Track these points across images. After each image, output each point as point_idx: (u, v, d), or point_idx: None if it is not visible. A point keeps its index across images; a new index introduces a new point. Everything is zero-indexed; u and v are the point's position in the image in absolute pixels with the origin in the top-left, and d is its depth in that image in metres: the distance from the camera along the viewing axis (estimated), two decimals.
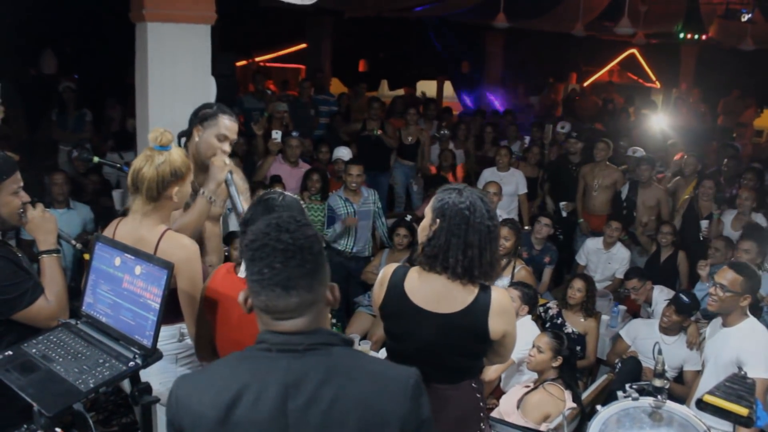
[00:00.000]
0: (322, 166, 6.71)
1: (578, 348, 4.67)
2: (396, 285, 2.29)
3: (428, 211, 2.28)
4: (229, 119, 2.95)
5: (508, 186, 6.59)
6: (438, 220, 2.22)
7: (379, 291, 2.34)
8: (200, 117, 2.93)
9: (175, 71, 4.24)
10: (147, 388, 2.02)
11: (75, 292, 2.55)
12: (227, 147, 2.95)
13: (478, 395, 2.35)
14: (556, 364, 3.66)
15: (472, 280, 2.22)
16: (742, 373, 2.56)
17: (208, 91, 4.40)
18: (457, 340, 2.23)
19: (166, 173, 2.44)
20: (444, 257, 2.20)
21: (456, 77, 13.69)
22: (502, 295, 2.29)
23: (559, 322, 4.82)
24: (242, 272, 2.27)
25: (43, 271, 2.38)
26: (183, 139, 2.99)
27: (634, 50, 14.46)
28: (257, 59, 11.88)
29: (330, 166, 6.83)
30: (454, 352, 2.26)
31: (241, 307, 1.58)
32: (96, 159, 3.55)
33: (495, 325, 2.22)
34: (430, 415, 1.57)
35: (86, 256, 2.24)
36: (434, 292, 2.23)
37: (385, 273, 2.35)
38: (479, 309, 2.21)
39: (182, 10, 4.21)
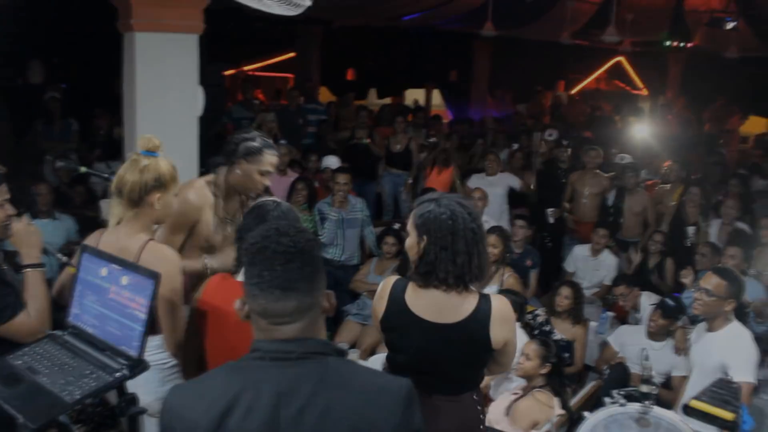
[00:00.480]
0: (310, 175, 6.71)
1: (566, 355, 4.68)
2: (397, 298, 2.27)
3: (411, 228, 2.25)
4: (272, 155, 3.02)
5: (498, 188, 6.61)
6: (425, 237, 2.19)
7: (379, 305, 2.31)
8: (244, 151, 2.95)
9: (163, 81, 4.23)
10: (133, 399, 2.00)
11: (59, 303, 2.53)
12: (267, 181, 3.03)
13: (479, 408, 2.35)
14: (544, 371, 3.67)
15: (466, 286, 2.22)
16: (728, 377, 2.59)
17: (196, 100, 4.40)
18: (461, 350, 2.23)
19: (150, 178, 2.45)
20: (436, 273, 2.19)
21: (444, 86, 13.75)
22: (502, 303, 2.28)
23: (547, 329, 4.82)
24: (242, 276, 2.27)
25: (26, 286, 2.36)
26: (218, 168, 3.03)
27: (620, 58, 14.58)
28: (246, 68, 11.87)
29: (319, 174, 6.83)
30: (456, 362, 2.25)
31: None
32: (83, 169, 3.56)
33: (496, 334, 2.21)
34: (423, 426, 1.57)
35: (71, 270, 2.22)
36: (435, 303, 2.22)
37: (384, 286, 2.33)
38: (481, 318, 2.20)
39: (170, 20, 4.20)
